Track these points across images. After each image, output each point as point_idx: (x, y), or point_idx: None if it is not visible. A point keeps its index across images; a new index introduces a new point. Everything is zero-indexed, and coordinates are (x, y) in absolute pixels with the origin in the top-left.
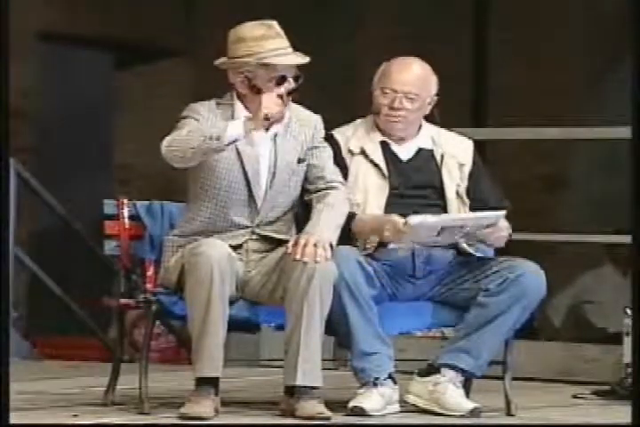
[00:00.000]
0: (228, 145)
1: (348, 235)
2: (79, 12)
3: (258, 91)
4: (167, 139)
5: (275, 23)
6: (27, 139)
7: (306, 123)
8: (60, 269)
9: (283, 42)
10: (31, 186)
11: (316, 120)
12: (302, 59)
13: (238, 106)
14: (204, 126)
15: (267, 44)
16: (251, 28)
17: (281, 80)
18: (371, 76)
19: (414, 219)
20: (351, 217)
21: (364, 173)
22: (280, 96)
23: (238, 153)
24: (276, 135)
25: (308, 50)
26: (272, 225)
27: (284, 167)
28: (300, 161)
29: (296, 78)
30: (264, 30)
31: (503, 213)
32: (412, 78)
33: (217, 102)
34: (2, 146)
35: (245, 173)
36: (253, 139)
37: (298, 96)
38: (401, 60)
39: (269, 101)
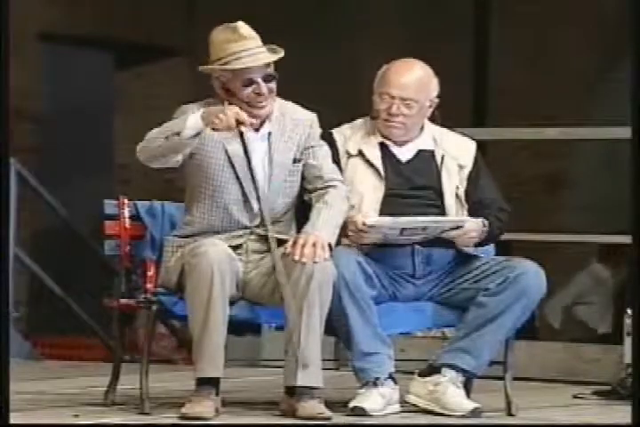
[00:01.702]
0: (191, 139)
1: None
2: (79, 12)
3: (232, 94)
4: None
5: (240, 25)
6: (27, 139)
7: (301, 122)
8: (60, 270)
9: (247, 43)
10: (31, 186)
11: (312, 119)
12: (264, 59)
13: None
14: (169, 124)
15: (228, 47)
16: (217, 33)
17: (249, 82)
18: (371, 77)
19: (372, 219)
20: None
21: (361, 174)
22: (257, 94)
23: (227, 154)
24: (270, 136)
25: (307, 50)
26: (272, 226)
27: (280, 168)
28: (295, 161)
29: (267, 78)
30: (228, 34)
31: (465, 218)
32: (410, 83)
33: (207, 103)
34: (2, 146)
35: (236, 173)
36: (243, 138)
37: (289, 96)
38: (400, 63)
39: (230, 114)
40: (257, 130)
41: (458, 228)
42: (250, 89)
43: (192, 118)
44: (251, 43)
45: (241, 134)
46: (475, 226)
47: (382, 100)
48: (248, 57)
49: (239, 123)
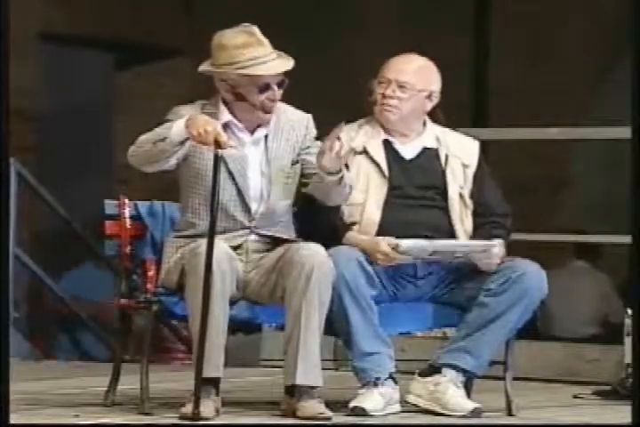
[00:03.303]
0: (178, 145)
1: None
2: (79, 12)
3: (242, 98)
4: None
5: (256, 29)
6: (27, 139)
7: (297, 124)
8: (60, 269)
9: (264, 49)
10: (31, 186)
11: (307, 120)
12: (284, 66)
13: (223, 110)
14: (157, 129)
15: (247, 52)
16: (232, 36)
17: (265, 88)
18: (370, 77)
19: (405, 243)
20: (346, 231)
21: (366, 172)
22: (271, 100)
23: (220, 157)
24: (266, 139)
25: (306, 50)
26: (271, 227)
27: (278, 172)
28: (293, 163)
29: (280, 83)
30: (245, 38)
31: (495, 242)
32: (408, 68)
33: (202, 105)
34: (2, 146)
35: (232, 175)
36: (239, 140)
37: (287, 97)
38: (403, 54)
39: (210, 131)
40: (252, 133)
41: (485, 251)
42: (264, 95)
43: (178, 125)
44: (267, 48)
45: (215, 155)
46: (500, 250)
47: (380, 85)
48: (270, 62)
49: (218, 143)
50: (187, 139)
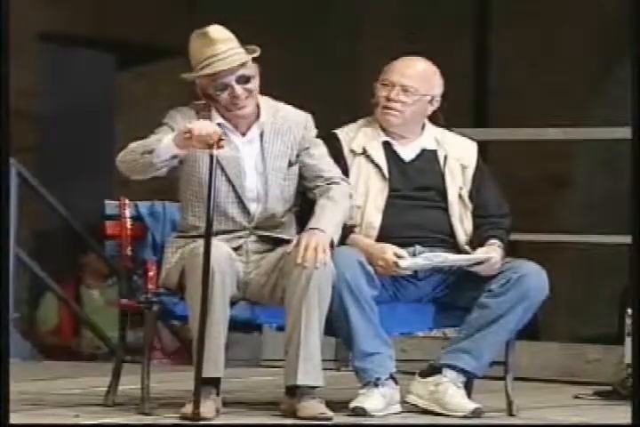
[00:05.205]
0: (167, 160)
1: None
2: (79, 12)
3: (212, 99)
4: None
5: (210, 29)
6: (27, 139)
7: (294, 124)
8: (60, 270)
9: (217, 47)
10: (32, 186)
11: (306, 119)
12: (236, 61)
13: (214, 112)
14: (152, 138)
15: (199, 54)
16: (191, 39)
17: (223, 87)
18: (370, 77)
19: (405, 262)
20: (348, 233)
21: (366, 174)
22: (234, 97)
23: (215, 157)
24: (262, 139)
25: (307, 49)
26: (271, 228)
27: (275, 172)
28: (291, 164)
29: (241, 79)
30: (200, 40)
31: (494, 254)
32: (412, 72)
33: (196, 106)
34: (2, 146)
35: (227, 176)
36: (232, 142)
37: (287, 97)
38: (406, 57)
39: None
40: (243, 134)
41: (484, 261)
42: (225, 93)
43: (166, 142)
44: (221, 46)
45: (210, 155)
46: (499, 257)
47: (383, 87)
48: (218, 61)
49: (209, 145)
50: (175, 156)
